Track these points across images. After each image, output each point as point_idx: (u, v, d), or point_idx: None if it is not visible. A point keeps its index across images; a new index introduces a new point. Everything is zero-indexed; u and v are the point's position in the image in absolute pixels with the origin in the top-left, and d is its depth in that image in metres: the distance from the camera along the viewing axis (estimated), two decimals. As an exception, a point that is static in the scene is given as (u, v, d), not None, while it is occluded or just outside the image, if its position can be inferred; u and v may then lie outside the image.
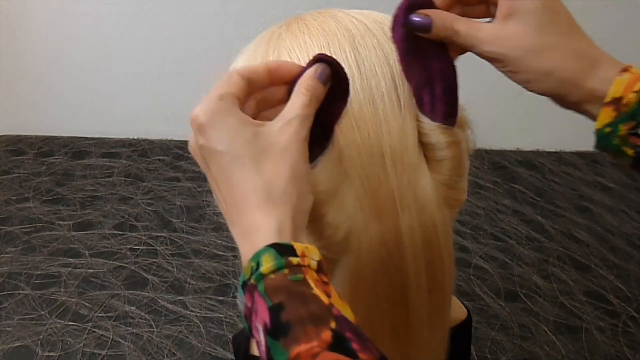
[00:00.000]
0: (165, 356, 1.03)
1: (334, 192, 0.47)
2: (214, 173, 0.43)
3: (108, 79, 1.57)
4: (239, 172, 0.41)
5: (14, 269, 1.18)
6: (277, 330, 0.37)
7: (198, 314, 1.10)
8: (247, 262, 0.40)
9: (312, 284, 0.38)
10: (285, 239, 0.40)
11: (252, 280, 0.39)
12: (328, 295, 0.38)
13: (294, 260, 0.39)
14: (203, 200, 1.36)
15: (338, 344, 0.36)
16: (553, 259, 1.25)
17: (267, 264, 0.39)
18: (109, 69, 1.56)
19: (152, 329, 1.07)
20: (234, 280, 1.17)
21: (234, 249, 1.27)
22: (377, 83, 0.49)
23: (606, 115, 0.44)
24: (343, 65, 0.46)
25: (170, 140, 1.56)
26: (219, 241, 1.26)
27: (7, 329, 1.06)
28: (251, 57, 0.53)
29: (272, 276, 0.38)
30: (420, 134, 0.49)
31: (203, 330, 1.07)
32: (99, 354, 1.03)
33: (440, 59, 0.48)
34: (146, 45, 1.53)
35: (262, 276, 0.39)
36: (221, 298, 1.13)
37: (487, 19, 0.49)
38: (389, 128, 0.48)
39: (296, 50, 0.50)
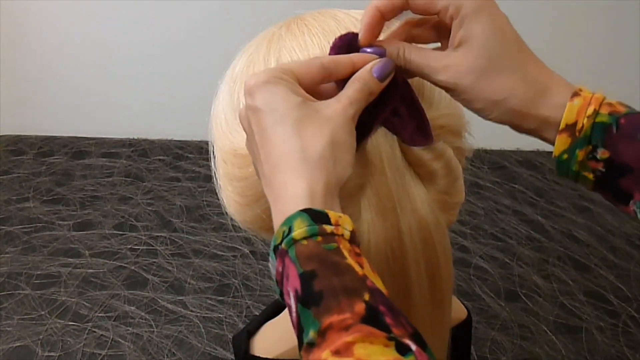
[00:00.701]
0: (165, 356, 1.03)
1: (354, 189, 0.48)
2: (255, 133, 0.43)
3: (108, 79, 1.57)
4: (279, 132, 0.42)
5: (14, 269, 1.18)
6: (308, 299, 0.36)
7: (198, 314, 1.10)
8: (278, 226, 0.40)
9: (346, 254, 0.38)
10: (317, 204, 0.40)
11: (283, 245, 0.39)
12: (361, 267, 0.38)
13: (328, 228, 0.38)
14: (203, 200, 1.36)
15: (371, 317, 0.35)
16: (553, 259, 1.25)
17: (299, 229, 0.38)
18: (109, 69, 1.56)
19: (152, 329, 1.07)
20: (234, 280, 1.17)
21: (234, 249, 1.27)
22: None
23: (562, 142, 0.44)
24: None
25: (170, 140, 1.56)
26: (219, 241, 1.26)
27: (7, 329, 1.06)
28: (253, 58, 0.53)
29: (305, 242, 0.38)
30: (402, 153, 0.49)
31: (203, 330, 1.07)
32: (99, 354, 1.03)
33: (395, 83, 0.47)
34: (146, 45, 1.53)
35: (294, 241, 0.38)
36: (221, 298, 1.13)
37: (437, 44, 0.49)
38: (384, 131, 0.48)
39: (296, 50, 0.51)
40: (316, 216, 0.39)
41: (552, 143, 0.45)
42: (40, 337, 1.05)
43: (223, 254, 1.23)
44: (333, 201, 0.41)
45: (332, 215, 0.39)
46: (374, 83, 0.45)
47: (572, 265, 1.24)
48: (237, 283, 1.16)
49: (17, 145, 1.52)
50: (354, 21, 0.52)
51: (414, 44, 0.48)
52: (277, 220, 0.41)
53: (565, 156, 0.44)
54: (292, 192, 0.40)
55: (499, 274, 1.21)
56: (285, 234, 0.39)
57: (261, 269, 1.19)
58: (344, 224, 0.39)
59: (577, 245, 1.29)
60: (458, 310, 0.66)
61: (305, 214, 0.39)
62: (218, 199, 0.58)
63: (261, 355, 0.61)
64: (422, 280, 0.49)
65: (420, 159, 0.49)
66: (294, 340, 0.52)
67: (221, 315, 1.10)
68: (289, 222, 0.39)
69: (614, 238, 1.31)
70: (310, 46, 0.50)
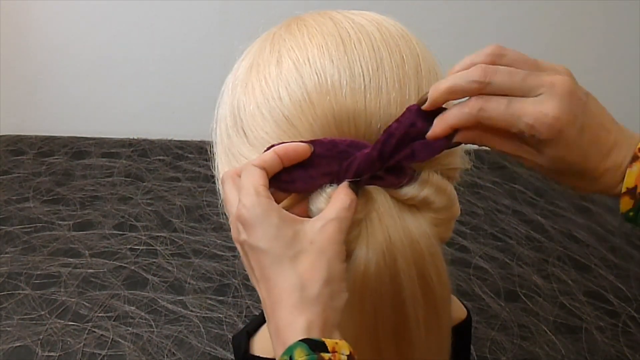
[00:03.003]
0: (165, 356, 1.03)
1: (356, 222, 0.49)
2: (255, 270, 0.46)
3: (108, 79, 1.57)
4: (278, 272, 0.44)
5: (14, 269, 1.18)
6: None
7: (198, 314, 1.10)
8: (279, 356, 0.43)
9: None
10: (315, 335, 0.42)
11: None
12: None
13: (326, 355, 0.41)
14: (203, 200, 1.36)
15: None
16: (553, 259, 1.25)
17: (299, 357, 0.41)
18: (109, 69, 1.56)
19: (152, 329, 1.07)
20: (234, 280, 1.17)
21: (234, 249, 1.26)
22: (368, 85, 0.49)
23: (626, 203, 0.47)
24: (338, 65, 0.48)
25: (170, 140, 1.56)
26: (219, 241, 1.26)
27: (7, 329, 1.06)
28: (255, 60, 0.54)
29: None
30: (388, 194, 0.50)
31: (203, 330, 1.07)
32: (99, 354, 1.03)
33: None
34: (146, 45, 1.54)
35: None
36: (221, 298, 1.13)
37: None
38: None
39: (295, 50, 0.51)
40: (314, 345, 0.42)
41: (611, 194, 0.48)
42: (40, 337, 1.05)
43: (223, 254, 1.23)
44: (333, 330, 0.44)
45: (329, 342, 0.42)
46: (354, 198, 0.47)
47: (572, 265, 1.24)
48: (237, 283, 1.16)
49: (17, 145, 1.52)
50: (352, 22, 0.52)
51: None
52: (278, 350, 0.43)
53: (631, 214, 0.47)
54: (292, 326, 0.43)
55: (498, 274, 1.21)
56: None
57: (261, 269, 1.19)
58: (340, 349, 0.42)
59: (577, 245, 1.29)
60: (458, 310, 0.66)
61: (304, 344, 0.41)
62: (218, 199, 0.58)
63: (261, 355, 0.61)
64: (414, 284, 0.50)
65: (405, 196, 0.50)
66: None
67: (221, 315, 1.10)
68: (289, 352, 0.41)
69: (614, 238, 1.31)
70: (309, 46, 0.51)
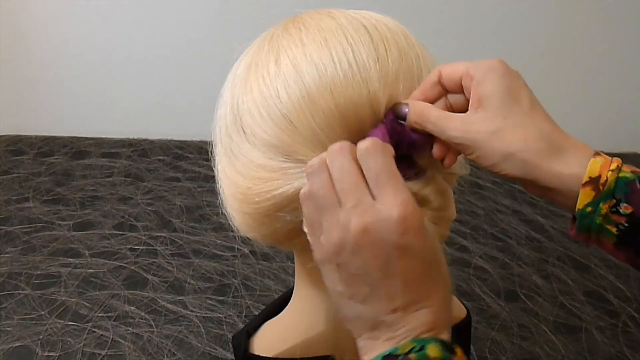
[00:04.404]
0: (165, 356, 1.03)
1: None
2: (392, 265, 0.43)
3: (108, 79, 1.57)
4: (431, 274, 0.44)
5: (14, 269, 1.18)
6: None
7: (198, 314, 1.10)
8: (404, 339, 0.42)
9: None
10: (443, 334, 0.43)
11: (412, 355, 0.40)
12: None
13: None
14: (203, 200, 1.36)
15: None
16: (553, 259, 1.25)
17: (433, 351, 0.40)
18: (109, 69, 1.56)
19: (152, 329, 1.07)
20: (234, 280, 1.17)
21: (234, 249, 1.27)
22: (368, 77, 0.50)
23: (585, 195, 0.44)
24: (337, 59, 0.49)
25: (170, 140, 1.56)
26: (219, 241, 1.26)
27: (7, 329, 1.06)
28: (254, 59, 0.54)
29: None
30: None
31: (203, 330, 1.07)
32: (99, 354, 1.03)
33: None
34: (146, 45, 1.54)
35: (428, 358, 0.40)
36: (221, 298, 1.13)
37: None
38: None
39: (292, 48, 0.51)
40: (447, 347, 0.42)
41: (566, 205, 0.46)
42: (40, 337, 1.05)
43: (223, 254, 1.23)
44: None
45: (459, 351, 0.42)
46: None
47: (572, 265, 1.24)
48: (237, 283, 1.16)
49: (17, 145, 1.52)
50: (350, 20, 0.52)
51: (433, 105, 0.50)
52: (392, 329, 0.42)
53: (589, 209, 0.45)
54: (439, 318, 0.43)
55: (498, 274, 1.21)
56: (416, 350, 0.41)
57: (261, 269, 1.19)
58: (462, 355, 0.42)
59: (577, 245, 1.29)
60: (457, 309, 0.67)
61: (438, 342, 0.41)
62: (218, 199, 0.58)
63: (261, 354, 0.61)
64: None
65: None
66: (293, 339, 0.52)
67: (221, 315, 1.10)
68: (422, 342, 0.41)
69: (614, 238, 1.31)
70: (307, 43, 0.51)
